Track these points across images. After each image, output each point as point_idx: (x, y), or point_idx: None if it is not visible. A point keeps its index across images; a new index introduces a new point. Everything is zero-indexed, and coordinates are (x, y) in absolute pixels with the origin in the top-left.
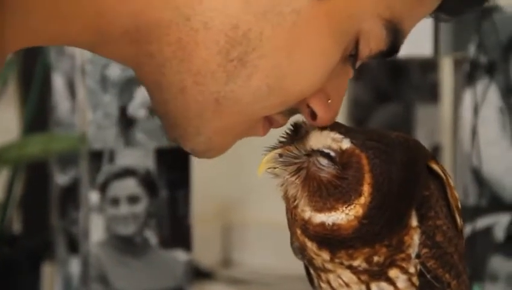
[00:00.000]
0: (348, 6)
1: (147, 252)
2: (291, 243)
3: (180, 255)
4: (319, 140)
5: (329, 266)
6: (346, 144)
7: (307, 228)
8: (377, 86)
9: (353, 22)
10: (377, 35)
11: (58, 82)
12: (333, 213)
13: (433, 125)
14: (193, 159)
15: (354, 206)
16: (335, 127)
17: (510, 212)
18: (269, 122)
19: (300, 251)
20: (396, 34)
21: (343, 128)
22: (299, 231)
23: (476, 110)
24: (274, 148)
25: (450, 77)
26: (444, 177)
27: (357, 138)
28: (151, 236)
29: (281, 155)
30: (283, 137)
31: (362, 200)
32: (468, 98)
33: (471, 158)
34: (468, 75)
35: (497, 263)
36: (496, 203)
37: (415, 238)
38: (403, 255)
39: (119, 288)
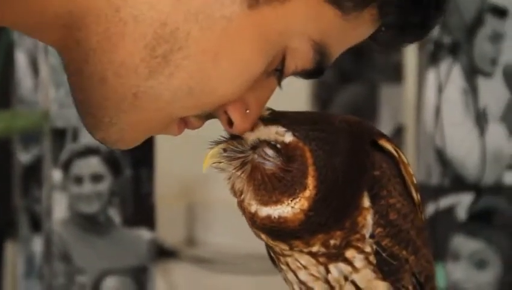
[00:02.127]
0: (279, 22)
1: (111, 231)
2: (251, 228)
3: (144, 233)
4: (263, 133)
5: (287, 252)
6: (288, 137)
7: (254, 221)
8: (341, 67)
9: (282, 37)
10: (304, 54)
11: (21, 59)
12: (279, 206)
13: (396, 105)
14: (157, 138)
15: (299, 200)
16: (278, 117)
17: (472, 192)
18: (185, 123)
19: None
20: (323, 57)
21: (286, 118)
22: (249, 223)
23: (439, 91)
24: (218, 142)
25: (413, 57)
26: (396, 155)
27: (300, 129)
28: (115, 214)
29: (225, 150)
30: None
31: (307, 193)
32: (431, 78)
33: (434, 138)
34: (432, 55)
35: (459, 242)
36: (458, 183)
37: (368, 218)
38: (357, 236)
39: (82, 266)
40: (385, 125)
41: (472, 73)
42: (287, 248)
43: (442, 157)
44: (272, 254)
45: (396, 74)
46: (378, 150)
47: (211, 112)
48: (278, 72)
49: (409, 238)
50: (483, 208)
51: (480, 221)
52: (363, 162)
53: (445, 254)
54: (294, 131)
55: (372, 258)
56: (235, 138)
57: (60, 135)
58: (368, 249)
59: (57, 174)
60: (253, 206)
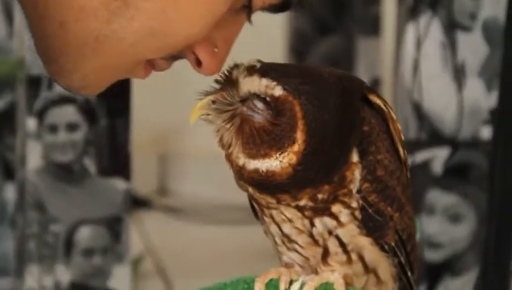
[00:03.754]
0: None
1: (85, 180)
2: (236, 182)
3: (119, 183)
4: (252, 86)
5: (273, 205)
6: (278, 91)
7: (242, 174)
8: (319, 18)
9: None
10: None
11: None
12: (267, 160)
13: (374, 58)
14: (134, 87)
15: (288, 154)
16: (267, 70)
17: (449, 146)
18: (151, 65)
19: (244, 190)
20: None
21: (276, 71)
22: (236, 176)
23: (418, 45)
24: (207, 94)
25: (392, 10)
26: (386, 110)
27: (290, 82)
28: (90, 164)
29: (214, 102)
30: (216, 82)
31: (296, 147)
32: (410, 32)
33: (412, 92)
34: (411, 9)
35: (435, 196)
36: (435, 137)
37: (356, 173)
38: (345, 191)
39: (55, 216)
40: (361, 78)
41: (451, 27)
42: (273, 201)
43: (419, 112)
44: (256, 206)
45: (374, 27)
46: (367, 105)
47: (177, 53)
48: (246, 8)
49: (395, 195)
50: (459, 162)
51: (455, 175)
52: (353, 117)
53: (420, 208)
54: (284, 84)
55: (357, 213)
56: (224, 89)
57: (34, 83)
58: (354, 204)
59: (31, 123)
60: (241, 160)
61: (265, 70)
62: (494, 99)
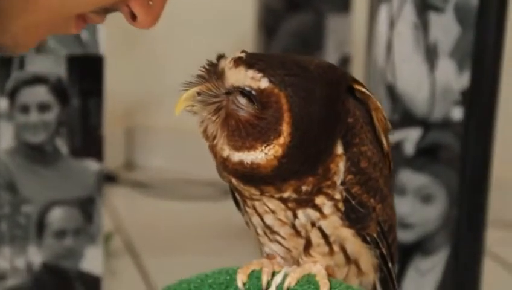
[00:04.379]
0: None
1: (58, 161)
2: (218, 173)
3: (91, 164)
4: (238, 78)
5: (257, 197)
6: (264, 83)
7: (226, 165)
8: None
9: None
10: None
11: None
12: (252, 152)
13: (344, 36)
14: (105, 66)
15: (273, 146)
16: (253, 61)
17: (420, 127)
18: (83, 20)
19: (227, 181)
20: None
21: (262, 63)
22: (220, 167)
23: (391, 25)
24: (192, 85)
25: None
26: (370, 101)
27: (276, 74)
28: (62, 145)
29: (199, 93)
30: (201, 72)
31: (281, 140)
32: (383, 12)
33: (385, 74)
34: None
35: (406, 177)
36: (407, 118)
37: (340, 165)
38: (328, 183)
39: (28, 196)
40: (331, 56)
41: (423, 8)
42: (257, 192)
43: (392, 93)
44: (238, 197)
45: (344, 4)
46: (352, 96)
47: (110, 6)
48: None
49: (377, 187)
50: (431, 143)
51: (427, 156)
52: (338, 109)
53: (392, 188)
54: (270, 76)
55: (340, 205)
56: (210, 81)
57: (6, 63)
58: (337, 196)
59: (2, 103)
60: (226, 151)
61: (251, 62)
62: (466, 80)
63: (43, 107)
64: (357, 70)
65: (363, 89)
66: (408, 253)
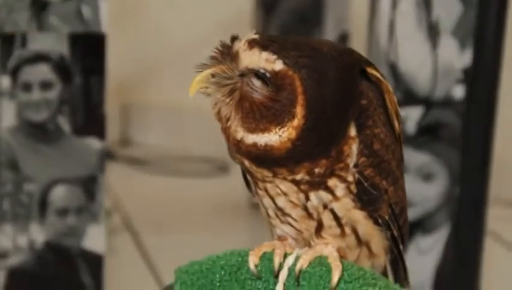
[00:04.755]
0: None
1: (60, 140)
2: (230, 154)
3: (94, 143)
4: (252, 60)
5: (269, 179)
6: (279, 65)
7: (239, 147)
8: None
9: None
10: None
11: None
12: (266, 134)
13: (342, 13)
14: (107, 44)
15: (287, 128)
16: (267, 43)
17: (422, 105)
18: None
19: (238, 163)
20: None
21: (276, 43)
22: (233, 149)
23: (394, 4)
24: (205, 67)
25: None
26: (383, 83)
27: (289, 56)
28: (64, 123)
29: (213, 75)
30: (214, 53)
31: (295, 122)
32: None
33: (387, 53)
34: None
35: (408, 155)
36: (409, 97)
37: (354, 147)
38: (341, 165)
39: (30, 175)
40: (330, 33)
41: None
42: (270, 174)
43: (395, 72)
44: (249, 178)
45: None
46: (365, 78)
47: None
48: None
49: (390, 169)
50: (432, 121)
51: (428, 135)
52: (352, 91)
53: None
54: (284, 58)
55: (353, 187)
56: (223, 62)
57: (8, 41)
58: (350, 178)
59: (4, 81)
60: (240, 133)
61: (266, 43)
62: (468, 59)
63: (45, 85)
64: (356, 48)
65: (376, 73)
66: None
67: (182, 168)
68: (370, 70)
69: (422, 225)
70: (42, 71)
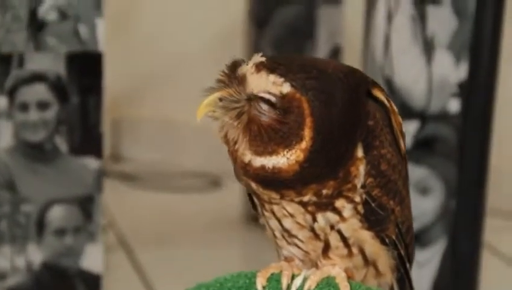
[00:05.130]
0: None
1: (57, 159)
2: (236, 176)
3: (91, 162)
4: (259, 83)
5: (276, 201)
6: (286, 88)
7: (247, 170)
8: None
9: None
10: None
11: None
12: (274, 157)
13: (335, 27)
14: (104, 63)
15: (295, 151)
16: (274, 65)
17: (418, 119)
18: None
19: (244, 185)
20: None
21: (283, 66)
22: (241, 172)
23: (389, 18)
24: (213, 90)
25: None
26: (388, 104)
27: (296, 78)
28: (62, 143)
29: (220, 99)
30: (221, 77)
31: (303, 144)
32: (381, 5)
33: (383, 67)
34: None
35: None
36: (405, 111)
37: (361, 168)
38: (349, 186)
39: (27, 195)
40: (322, 47)
41: (421, 0)
42: (277, 196)
43: (391, 87)
44: (256, 200)
45: None
46: (371, 98)
47: None
48: None
49: (397, 189)
50: (428, 135)
51: (424, 149)
52: (359, 112)
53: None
54: (292, 80)
55: (360, 208)
56: (231, 86)
57: (5, 61)
58: (357, 199)
59: (2, 101)
60: (248, 156)
61: (273, 66)
62: (463, 72)
63: (42, 105)
64: (349, 62)
65: (381, 95)
66: None
67: (175, 183)
68: (375, 91)
69: (419, 238)
70: (39, 91)
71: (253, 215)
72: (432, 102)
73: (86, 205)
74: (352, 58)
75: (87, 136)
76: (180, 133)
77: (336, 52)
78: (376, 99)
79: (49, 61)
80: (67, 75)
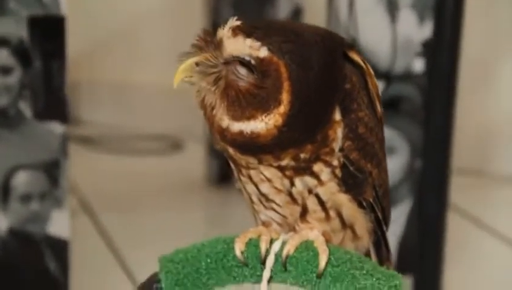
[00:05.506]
0: None
1: (21, 125)
2: (214, 141)
3: (56, 127)
4: (236, 48)
5: (254, 165)
6: (263, 52)
7: (225, 135)
8: None
9: None
10: None
11: None
12: (252, 122)
13: None
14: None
15: (274, 116)
16: (251, 29)
17: (382, 80)
18: None
19: (222, 150)
20: None
21: (259, 30)
22: (218, 137)
23: None
24: (189, 55)
25: None
26: (365, 67)
27: (273, 42)
28: (26, 108)
29: (197, 64)
30: (197, 41)
31: (281, 109)
32: None
33: (347, 28)
34: None
35: None
36: None
37: (339, 132)
38: (327, 150)
39: None
40: (282, 8)
41: None
42: (255, 161)
43: (356, 47)
44: (232, 165)
45: None
46: (347, 61)
47: None
48: None
49: (374, 152)
50: (393, 96)
51: (389, 109)
52: (336, 76)
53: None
54: (269, 44)
55: (338, 171)
56: (207, 51)
57: None
58: (335, 162)
59: None
60: (225, 122)
61: (250, 30)
62: (427, 32)
63: (5, 70)
64: (311, 23)
65: (358, 57)
66: None
67: (136, 146)
68: (352, 54)
69: None
70: (1, 56)
71: (216, 178)
72: (396, 62)
73: (52, 170)
74: (314, 19)
75: (51, 101)
76: (139, 97)
77: (297, 13)
78: (353, 62)
79: (11, 26)
80: (30, 39)
